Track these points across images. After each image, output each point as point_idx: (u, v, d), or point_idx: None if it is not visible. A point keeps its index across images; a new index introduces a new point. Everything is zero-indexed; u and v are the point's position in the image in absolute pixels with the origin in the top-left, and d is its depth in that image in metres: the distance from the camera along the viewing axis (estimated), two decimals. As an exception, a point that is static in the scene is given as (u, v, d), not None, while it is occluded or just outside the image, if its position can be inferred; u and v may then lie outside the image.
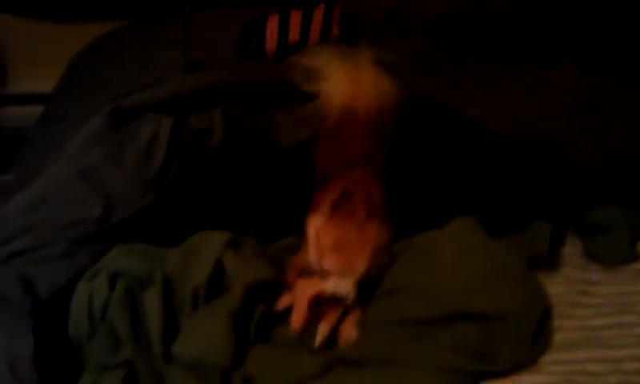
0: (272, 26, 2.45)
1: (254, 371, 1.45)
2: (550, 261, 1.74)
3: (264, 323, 1.53)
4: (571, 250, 1.81)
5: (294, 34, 2.43)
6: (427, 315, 1.53)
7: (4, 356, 1.35)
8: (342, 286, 1.52)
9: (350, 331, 1.55)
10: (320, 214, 1.61)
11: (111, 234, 1.65)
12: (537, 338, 1.52)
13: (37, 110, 2.58)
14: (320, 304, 1.53)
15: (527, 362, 1.50)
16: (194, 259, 1.57)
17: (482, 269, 1.57)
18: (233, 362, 1.44)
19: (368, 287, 1.60)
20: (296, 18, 2.44)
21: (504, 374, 1.49)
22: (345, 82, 1.84)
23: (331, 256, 1.54)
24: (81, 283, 1.54)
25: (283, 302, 1.57)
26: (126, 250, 1.61)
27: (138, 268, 1.55)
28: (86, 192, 1.66)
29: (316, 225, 1.60)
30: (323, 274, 1.53)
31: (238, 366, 1.45)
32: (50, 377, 1.38)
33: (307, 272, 1.55)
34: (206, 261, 1.55)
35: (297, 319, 1.51)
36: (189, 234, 1.65)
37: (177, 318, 1.52)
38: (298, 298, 1.53)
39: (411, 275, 1.60)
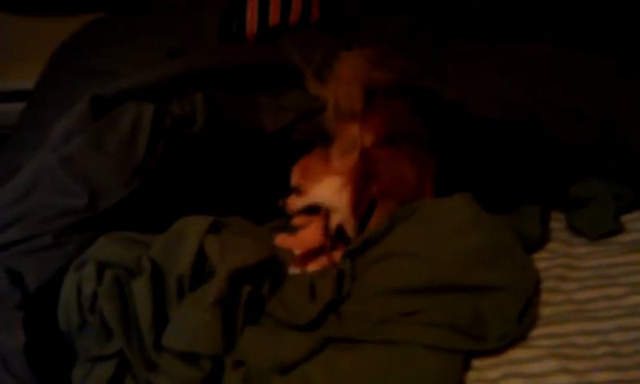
0: (252, 9, 2.43)
1: (244, 355, 1.45)
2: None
3: (252, 305, 1.52)
4: (555, 224, 1.81)
5: (273, 17, 2.42)
6: (422, 284, 1.53)
7: (-5, 349, 1.35)
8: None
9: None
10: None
11: (98, 222, 1.63)
12: (524, 314, 1.53)
13: (20, 106, 2.52)
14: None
15: (516, 338, 1.51)
16: (176, 247, 1.56)
17: (479, 241, 1.58)
18: (223, 348, 1.44)
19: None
20: (276, 1, 2.43)
21: (492, 350, 1.49)
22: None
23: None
24: (68, 274, 1.53)
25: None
26: (113, 238, 1.59)
27: (125, 256, 1.53)
28: (69, 182, 1.64)
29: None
30: None
31: (229, 350, 1.45)
32: (43, 369, 1.37)
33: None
34: (187, 249, 1.54)
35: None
36: (175, 219, 1.64)
37: (166, 305, 1.51)
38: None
39: (413, 240, 1.61)
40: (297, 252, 1.64)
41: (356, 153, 1.66)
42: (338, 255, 1.67)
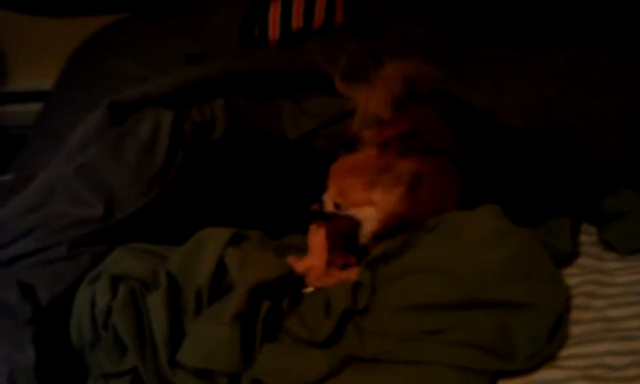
0: (275, 13, 2.40)
1: (262, 373, 1.41)
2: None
3: (271, 321, 1.48)
4: (586, 238, 1.77)
5: (296, 20, 2.39)
6: (447, 301, 1.49)
7: (4, 366, 1.32)
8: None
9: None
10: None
11: (114, 233, 1.60)
12: (555, 332, 1.48)
13: (39, 107, 2.53)
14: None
15: (545, 357, 1.46)
16: (195, 259, 1.53)
17: (508, 256, 1.53)
18: (241, 366, 1.40)
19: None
20: (299, 5, 2.40)
21: (520, 370, 1.44)
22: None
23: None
24: (82, 287, 1.50)
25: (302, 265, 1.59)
26: (129, 250, 1.56)
27: (141, 269, 1.50)
28: (85, 191, 1.61)
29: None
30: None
31: (246, 367, 1.41)
32: (53, 387, 1.34)
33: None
34: (207, 261, 1.51)
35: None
36: (194, 230, 1.60)
37: (182, 320, 1.47)
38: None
39: (437, 254, 1.56)
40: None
41: (403, 188, 1.61)
42: (349, 273, 1.62)
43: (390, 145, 1.65)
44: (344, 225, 1.65)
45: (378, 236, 1.63)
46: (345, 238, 1.65)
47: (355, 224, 1.65)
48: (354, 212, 1.64)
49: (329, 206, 1.67)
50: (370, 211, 1.62)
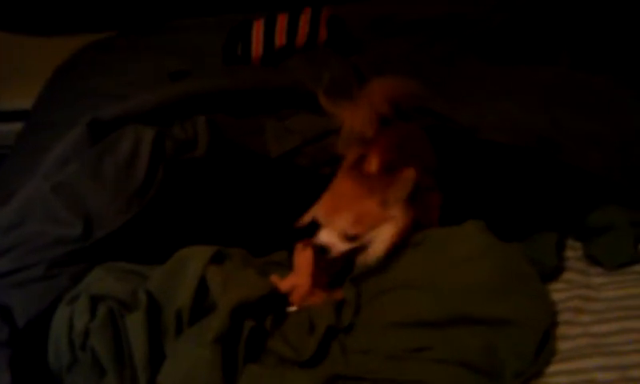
0: (258, 30, 2.40)
1: (245, 395, 1.39)
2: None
3: (253, 341, 1.45)
4: (571, 253, 1.75)
5: (280, 38, 2.38)
6: (432, 318, 1.47)
7: (-21, 390, 1.29)
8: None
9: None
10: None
11: (92, 252, 1.58)
12: (542, 348, 1.46)
13: (20, 126, 2.49)
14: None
15: (533, 374, 1.44)
16: (176, 279, 1.50)
17: (492, 271, 1.52)
18: (223, 387, 1.37)
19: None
20: (282, 23, 2.39)
21: (508, 387, 1.43)
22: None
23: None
24: (60, 308, 1.47)
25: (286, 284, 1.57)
26: (108, 270, 1.54)
27: (120, 289, 1.48)
28: (63, 210, 1.59)
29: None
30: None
31: (229, 389, 1.39)
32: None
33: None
34: (188, 281, 1.48)
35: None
36: (175, 248, 1.58)
37: (162, 341, 1.45)
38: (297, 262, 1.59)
39: (422, 270, 1.55)
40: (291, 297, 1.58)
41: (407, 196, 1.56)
42: (334, 292, 1.60)
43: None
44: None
45: (394, 248, 1.59)
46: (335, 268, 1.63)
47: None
48: (372, 235, 1.57)
49: (338, 244, 1.57)
50: (388, 229, 1.57)
